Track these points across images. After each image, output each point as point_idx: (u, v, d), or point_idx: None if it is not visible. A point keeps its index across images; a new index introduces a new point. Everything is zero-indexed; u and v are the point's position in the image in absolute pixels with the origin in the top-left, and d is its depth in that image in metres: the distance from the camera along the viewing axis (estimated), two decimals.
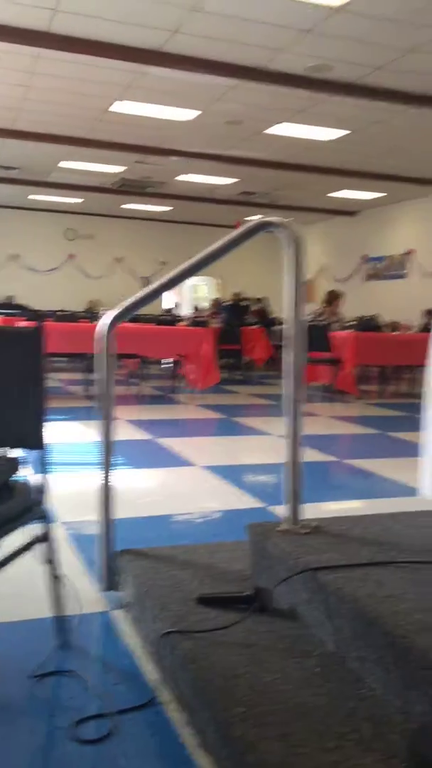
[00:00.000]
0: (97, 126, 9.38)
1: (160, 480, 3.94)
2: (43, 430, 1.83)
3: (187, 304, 18.02)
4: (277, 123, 9.01)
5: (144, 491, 3.62)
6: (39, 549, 1.80)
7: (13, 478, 1.79)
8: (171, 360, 9.06)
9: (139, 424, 5.68)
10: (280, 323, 12.11)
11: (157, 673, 1.73)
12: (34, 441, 1.83)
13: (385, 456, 4.73)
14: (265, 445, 5.05)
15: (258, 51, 6.63)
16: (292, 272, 1.97)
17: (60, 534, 2.77)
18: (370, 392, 8.78)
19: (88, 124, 9.29)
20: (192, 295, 19.15)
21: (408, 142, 9.79)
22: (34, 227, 16.41)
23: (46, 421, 1.84)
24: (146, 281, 16.80)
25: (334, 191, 13.36)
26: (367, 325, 10.44)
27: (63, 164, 11.64)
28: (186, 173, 12.13)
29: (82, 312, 13.19)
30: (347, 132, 9.32)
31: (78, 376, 9.01)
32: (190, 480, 3.91)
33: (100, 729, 1.50)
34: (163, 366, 10.59)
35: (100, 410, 2.16)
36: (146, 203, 15.04)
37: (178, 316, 12.83)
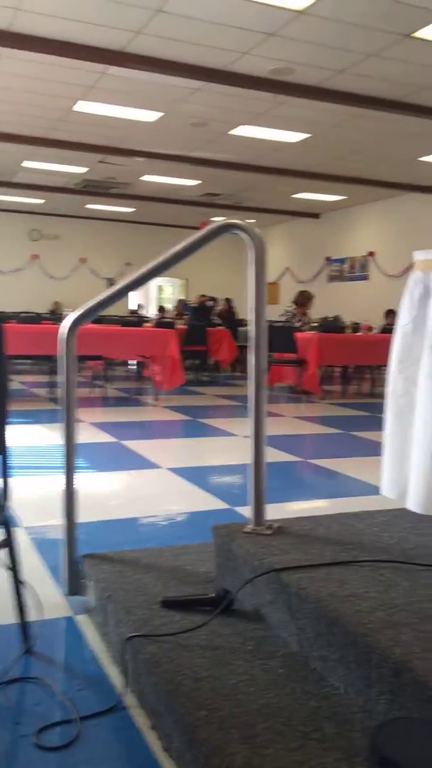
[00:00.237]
0: (61, 126, 9.31)
1: (125, 483, 3.92)
2: (5, 433, 1.81)
3: (153, 305, 17.99)
4: (241, 125, 9.05)
5: (108, 494, 3.60)
6: (1, 554, 1.78)
7: None
8: (136, 361, 9.04)
9: (103, 426, 5.64)
10: (241, 324, 12.18)
11: (121, 677, 1.72)
12: None
13: (348, 455, 4.79)
14: (230, 446, 5.06)
15: (221, 53, 6.65)
16: (255, 274, 1.98)
17: (23, 539, 2.74)
18: (334, 392, 8.87)
19: (52, 124, 9.21)
20: (157, 296, 19.13)
21: (368, 146, 9.92)
22: None
23: (8, 424, 1.82)
24: (110, 282, 16.73)
25: (297, 193, 13.47)
26: (331, 326, 10.54)
27: (26, 164, 11.52)
28: (150, 174, 12.10)
29: (47, 313, 13.08)
30: (309, 135, 9.40)
31: (42, 378, 8.93)
32: (155, 482, 3.90)
33: (64, 735, 1.49)
34: (129, 367, 10.56)
35: (63, 413, 2.14)
36: (110, 204, 14.97)
37: (144, 317, 12.79)
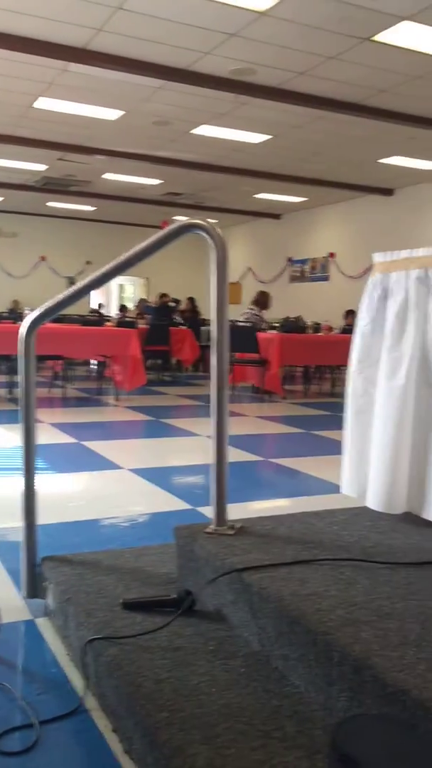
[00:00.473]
0: (21, 123, 9.19)
1: (86, 484, 3.89)
2: None
3: (114, 304, 17.88)
4: (203, 125, 9.05)
5: (69, 496, 3.56)
6: None
7: None
8: (97, 361, 8.97)
9: (63, 427, 5.59)
10: (205, 323, 12.18)
11: (82, 680, 1.71)
12: None
13: (309, 454, 4.82)
14: (193, 446, 5.06)
15: (183, 52, 6.64)
16: (217, 274, 1.98)
17: None
18: (295, 392, 8.93)
19: (11, 120, 9.08)
20: (118, 295, 19.02)
21: (329, 148, 10.02)
22: None
23: None
24: (71, 281, 16.57)
25: (259, 194, 13.53)
26: (292, 326, 10.61)
27: None
28: (111, 173, 12.02)
29: (5, 312, 12.89)
30: (271, 136, 9.45)
31: (0, 378, 8.80)
32: (116, 483, 3.88)
33: (24, 740, 1.47)
34: (90, 367, 10.47)
35: (22, 413, 2.11)
36: (71, 202, 14.83)
37: (106, 317, 12.70)
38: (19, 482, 2.13)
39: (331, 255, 14.44)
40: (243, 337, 7.86)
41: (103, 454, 4.57)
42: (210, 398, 2.02)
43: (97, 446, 4.83)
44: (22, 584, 2.16)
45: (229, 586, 1.75)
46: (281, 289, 15.69)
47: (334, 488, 3.24)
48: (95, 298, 16.87)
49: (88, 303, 15.69)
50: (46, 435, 5.09)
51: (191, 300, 13.44)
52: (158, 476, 3.97)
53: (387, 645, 1.35)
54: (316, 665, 1.43)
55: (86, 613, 1.82)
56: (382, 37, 6.14)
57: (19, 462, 2.12)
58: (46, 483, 3.63)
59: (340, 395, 8.30)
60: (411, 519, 2.10)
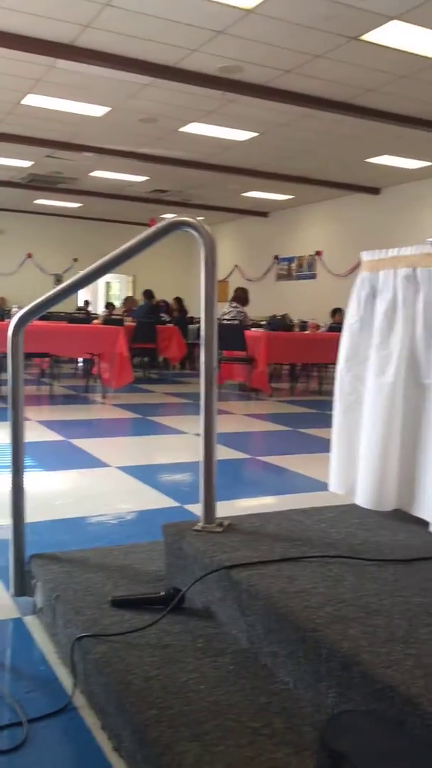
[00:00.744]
0: (7, 119, 9.14)
1: (74, 482, 3.88)
2: None
3: (101, 302, 17.83)
4: (190, 122, 9.04)
5: (56, 493, 3.55)
6: None
7: None
8: (84, 359, 8.95)
9: (50, 424, 5.57)
10: (193, 321, 12.17)
11: (71, 678, 1.70)
12: None
13: (296, 452, 4.84)
14: (180, 444, 5.06)
15: (170, 49, 6.62)
16: (205, 272, 1.98)
17: None
18: (282, 390, 8.95)
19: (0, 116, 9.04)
20: (105, 293, 18.97)
21: (316, 146, 10.04)
22: None
23: None
24: (58, 278, 16.51)
25: (246, 191, 13.53)
26: (279, 324, 10.63)
27: None
28: (98, 170, 11.98)
29: None
30: (258, 133, 9.45)
31: None
32: (104, 481, 3.87)
33: (13, 738, 1.47)
34: (78, 365, 10.43)
35: (9, 411, 2.11)
36: (57, 199, 14.76)
37: (94, 314, 12.66)
38: (6, 480, 2.12)
39: (318, 253, 14.47)
40: (230, 335, 7.87)
41: (90, 451, 4.56)
42: (199, 395, 2.02)
43: (85, 444, 4.82)
44: (10, 582, 2.15)
45: (217, 584, 1.76)
46: (268, 287, 15.71)
47: (322, 486, 3.25)
48: (82, 295, 16.81)
49: (76, 300, 15.63)
50: (33, 432, 5.07)
51: (178, 300, 13.42)
52: (146, 474, 3.97)
53: (375, 641, 1.36)
54: (305, 662, 1.44)
55: (75, 611, 1.82)
56: (369, 36, 6.16)
57: (7, 460, 2.11)
58: (34, 481, 3.62)
59: (327, 393, 8.32)
60: (398, 516, 2.11)
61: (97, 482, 3.85)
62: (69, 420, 6.03)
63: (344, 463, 2.09)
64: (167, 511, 3.18)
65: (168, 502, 3.37)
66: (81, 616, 1.79)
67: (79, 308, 14.71)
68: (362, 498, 2.02)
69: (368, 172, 11.43)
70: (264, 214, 16.00)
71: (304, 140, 9.74)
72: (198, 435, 2.05)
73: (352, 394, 1.98)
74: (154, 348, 10.34)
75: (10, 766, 1.40)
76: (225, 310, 9.18)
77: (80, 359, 9.95)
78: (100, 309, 15.90)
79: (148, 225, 2.06)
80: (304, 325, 11.23)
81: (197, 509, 2.09)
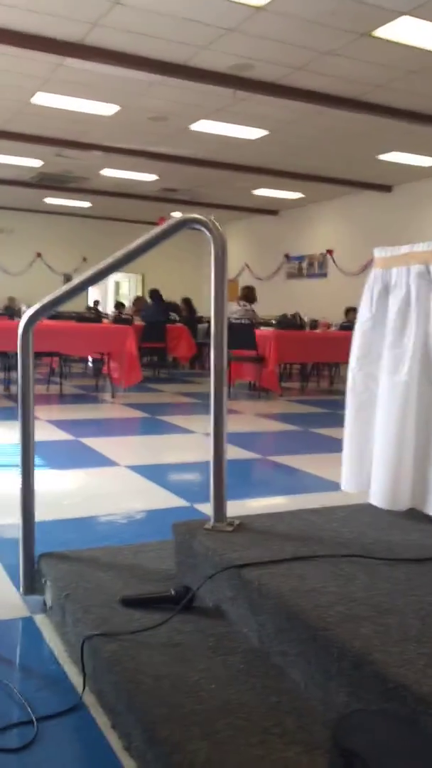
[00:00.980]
0: (17, 118, 9.16)
1: (83, 481, 3.88)
2: None
3: (110, 301, 17.86)
4: (200, 120, 9.03)
5: (66, 492, 3.55)
6: None
7: None
8: (94, 358, 8.96)
9: (60, 423, 5.58)
10: (202, 321, 12.15)
11: (80, 677, 1.70)
12: None
13: (307, 452, 4.82)
14: (189, 443, 5.05)
15: (180, 47, 6.62)
16: (215, 270, 1.97)
17: None
18: (293, 389, 8.93)
19: (8, 116, 9.05)
20: (114, 292, 18.99)
21: (327, 143, 10.00)
22: None
23: None
24: (67, 277, 16.53)
25: (256, 190, 13.50)
26: (289, 323, 10.60)
27: None
28: (108, 168, 11.99)
29: (1, 309, 12.86)
30: (268, 131, 9.43)
31: None
32: (114, 480, 3.87)
33: (23, 737, 1.47)
34: (88, 364, 10.45)
35: (19, 410, 2.10)
36: (67, 198, 14.79)
37: (104, 314, 12.67)
38: (16, 479, 2.12)
39: (329, 252, 14.43)
40: (241, 334, 7.85)
41: (100, 450, 4.56)
42: (208, 395, 2.02)
43: (95, 443, 4.82)
44: (20, 581, 2.15)
45: (228, 583, 1.75)
46: (278, 286, 15.68)
47: (333, 486, 3.24)
48: (92, 295, 16.85)
49: (86, 300, 15.66)
50: (43, 432, 5.07)
51: (186, 301, 13.39)
52: (155, 473, 3.97)
53: (387, 641, 1.35)
54: (316, 661, 1.42)
55: (84, 610, 1.82)
56: (380, 32, 6.13)
57: (17, 459, 2.11)
58: (44, 480, 3.62)
59: (339, 392, 8.30)
60: (411, 516, 2.09)
61: (107, 481, 3.85)
62: (78, 419, 6.03)
63: (357, 463, 2.08)
64: (177, 511, 3.17)
65: (178, 502, 3.36)
66: (91, 614, 1.79)
67: (89, 308, 14.74)
68: (376, 497, 2.00)
69: (379, 169, 11.38)
70: (274, 213, 15.97)
71: (314, 138, 9.71)
72: (207, 434, 2.05)
73: (365, 393, 1.97)
74: (164, 347, 10.34)
75: (20, 765, 1.40)
76: (233, 309, 9.16)
77: (90, 358, 9.96)
78: (109, 308, 15.92)
79: (158, 224, 2.06)
80: (314, 324, 11.19)
81: (207, 508, 2.08)
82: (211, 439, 2.02)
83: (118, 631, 1.70)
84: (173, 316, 11.69)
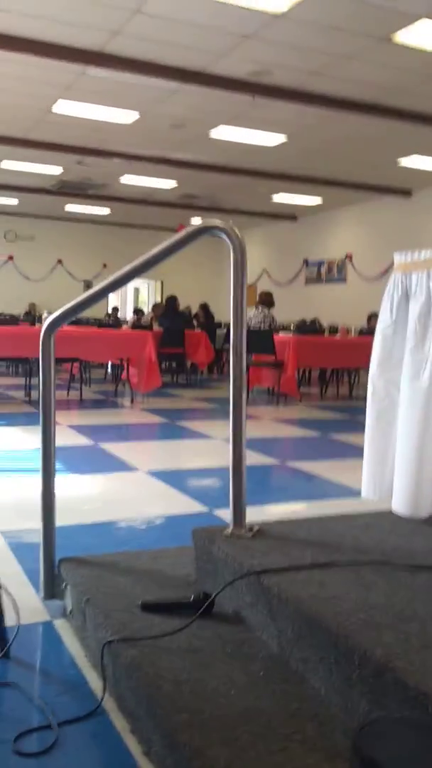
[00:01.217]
0: (38, 126, 9.25)
1: (103, 486, 3.90)
2: None
3: (129, 307, 17.93)
4: (219, 126, 9.06)
5: (86, 498, 3.57)
6: None
7: None
8: (113, 364, 9.00)
9: (80, 429, 5.61)
10: (221, 326, 12.15)
11: (100, 682, 1.70)
12: None
13: (326, 458, 4.80)
14: (208, 449, 5.05)
15: (199, 54, 6.65)
16: (234, 276, 1.97)
17: (0, 543, 2.71)
18: (311, 395, 8.90)
19: (30, 124, 9.14)
20: (134, 298, 19.07)
21: (346, 148, 9.98)
22: None
23: None
24: (87, 284, 16.63)
25: (275, 195, 13.50)
26: (309, 328, 10.57)
27: (5, 164, 11.41)
28: (127, 175, 12.06)
29: (22, 315, 12.97)
30: (287, 137, 9.43)
31: (18, 380, 8.85)
32: (133, 485, 3.88)
33: (43, 741, 1.47)
34: (109, 370, 10.50)
35: (41, 415, 2.12)
36: (87, 205, 14.89)
37: (124, 320, 12.73)
38: (36, 484, 2.13)
39: (348, 257, 14.38)
40: (259, 339, 7.84)
41: (119, 456, 4.58)
42: (227, 400, 2.02)
43: (114, 448, 4.84)
44: (40, 585, 2.17)
45: (247, 589, 1.74)
46: (297, 292, 15.65)
47: (352, 492, 3.22)
48: (111, 301, 16.93)
49: (106, 306, 15.74)
50: (63, 437, 5.10)
51: (204, 307, 13.40)
52: (174, 478, 3.97)
53: (409, 648, 1.34)
54: (337, 668, 1.42)
55: (104, 615, 1.82)
56: (399, 36, 6.11)
57: (37, 463, 2.13)
58: (64, 485, 3.64)
59: (358, 398, 8.26)
60: None
61: (126, 486, 3.86)
62: (98, 424, 6.06)
63: (378, 469, 2.07)
64: (196, 516, 3.17)
65: (197, 507, 3.36)
66: (111, 619, 1.79)
67: (108, 314, 14.81)
68: (397, 504, 1.99)
69: (399, 174, 11.33)
70: (293, 218, 15.95)
71: (333, 143, 9.69)
72: (226, 440, 2.05)
73: (386, 399, 1.96)
74: (182, 353, 10.35)
75: None
76: (251, 314, 9.16)
77: (109, 364, 10.01)
78: (128, 315, 15.98)
79: (177, 230, 2.07)
80: (334, 329, 11.15)
81: (226, 514, 2.08)
82: (230, 445, 2.02)
83: (138, 636, 1.70)
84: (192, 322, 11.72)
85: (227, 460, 2.03)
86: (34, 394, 7.50)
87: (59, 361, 7.69)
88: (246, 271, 1.98)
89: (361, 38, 6.17)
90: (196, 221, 2.10)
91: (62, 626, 2.04)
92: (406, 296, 1.88)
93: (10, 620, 1.86)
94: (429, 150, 9.87)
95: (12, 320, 10.31)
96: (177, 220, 15.23)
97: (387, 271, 12.26)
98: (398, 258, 1.96)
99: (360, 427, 2.27)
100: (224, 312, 13.03)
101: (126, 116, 8.65)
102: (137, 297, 19.23)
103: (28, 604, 2.11)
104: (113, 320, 12.33)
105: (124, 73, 7.03)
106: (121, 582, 2.05)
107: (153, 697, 1.46)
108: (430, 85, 7.28)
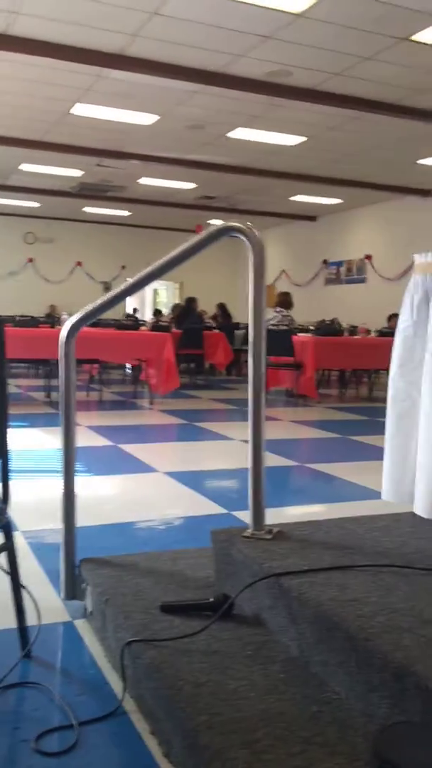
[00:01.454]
0: (57, 129, 9.31)
1: (123, 487, 3.91)
2: (5, 437, 1.81)
3: (148, 309, 17.98)
4: (238, 128, 9.06)
5: (106, 498, 3.59)
6: (0, 558, 1.77)
7: None
8: (132, 365, 9.03)
9: (99, 430, 5.63)
10: (239, 327, 12.15)
11: (120, 682, 1.71)
12: None
13: (346, 460, 4.78)
14: (227, 450, 5.06)
15: (218, 56, 6.65)
16: (254, 277, 1.97)
17: (20, 543, 2.73)
18: (330, 396, 8.87)
19: (49, 127, 9.21)
20: (152, 300, 19.12)
21: (365, 149, 9.94)
22: None
23: (7, 427, 1.81)
24: (107, 285, 16.71)
25: (294, 196, 13.48)
26: (328, 329, 10.53)
27: (24, 167, 11.51)
28: (146, 177, 12.10)
29: (42, 317, 13.06)
30: (306, 137, 9.41)
31: (38, 382, 8.91)
32: (152, 486, 3.89)
33: (64, 741, 1.48)
34: (126, 371, 10.55)
35: (61, 416, 2.13)
36: (106, 207, 14.96)
37: (142, 321, 12.78)
38: (57, 485, 2.15)
39: (368, 257, 14.31)
40: (278, 340, 7.82)
41: (138, 456, 4.60)
42: (246, 402, 2.02)
43: (133, 449, 4.86)
44: (61, 586, 2.18)
45: (267, 591, 1.74)
46: (316, 292, 15.60)
47: (372, 494, 3.20)
48: (130, 302, 16.99)
49: (124, 307, 15.80)
50: (82, 438, 5.13)
51: (221, 307, 13.39)
52: (193, 480, 3.98)
53: (429, 652, 1.33)
54: (357, 672, 1.41)
55: (124, 616, 1.83)
56: (419, 36, 6.07)
57: (58, 464, 2.14)
58: (84, 485, 3.66)
59: (378, 400, 8.22)
60: None
61: (146, 487, 3.87)
62: (118, 425, 6.09)
63: (398, 472, 2.05)
64: (215, 518, 3.18)
65: (216, 509, 3.37)
66: (131, 620, 1.80)
67: (128, 315, 14.87)
68: (418, 507, 1.97)
69: (419, 174, 11.26)
70: (312, 218, 15.91)
71: (352, 143, 9.66)
72: (245, 441, 2.05)
73: (407, 400, 1.94)
74: (201, 354, 10.37)
75: None
76: (269, 315, 9.13)
77: (128, 365, 10.05)
78: (147, 316, 16.03)
79: (195, 231, 2.07)
80: (353, 330, 11.10)
81: (245, 516, 2.08)
82: (249, 446, 2.02)
83: (158, 637, 1.71)
84: (210, 323, 11.73)
85: (246, 462, 2.03)
86: (54, 396, 7.55)
87: (79, 362, 7.71)
88: (265, 272, 1.98)
89: (380, 38, 6.14)
90: (215, 222, 2.10)
91: (83, 626, 2.05)
92: (426, 297, 1.86)
93: (31, 620, 1.88)
94: None
95: (32, 322, 10.39)
96: (195, 221, 15.25)
97: (407, 271, 12.19)
98: (418, 259, 1.95)
99: (379, 428, 2.25)
100: (242, 312, 13.02)
101: (145, 118, 8.68)
102: (156, 298, 19.28)
103: (48, 605, 2.13)
104: (133, 321, 12.37)
105: (142, 75, 7.05)
106: (141, 583, 2.06)
107: (173, 699, 1.46)
108: None
